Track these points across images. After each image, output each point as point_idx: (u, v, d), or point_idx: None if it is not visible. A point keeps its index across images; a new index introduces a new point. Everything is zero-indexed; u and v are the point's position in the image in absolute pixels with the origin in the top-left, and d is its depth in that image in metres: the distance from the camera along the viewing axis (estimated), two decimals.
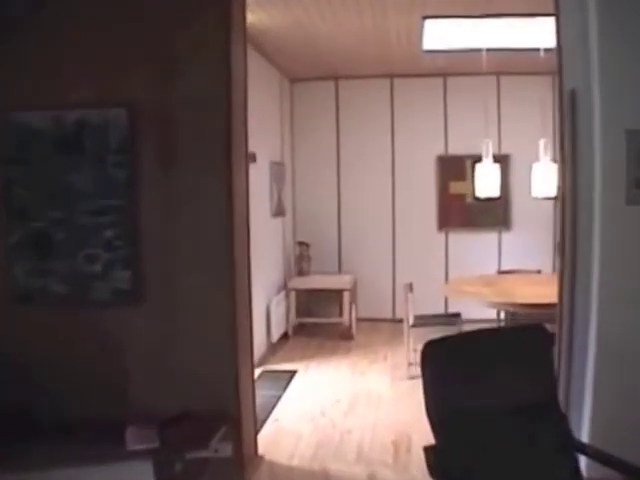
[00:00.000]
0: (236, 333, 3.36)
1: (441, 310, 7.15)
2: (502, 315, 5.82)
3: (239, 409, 3.42)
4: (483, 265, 7.10)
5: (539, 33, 5.07)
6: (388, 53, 6.01)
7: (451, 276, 7.25)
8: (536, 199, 5.46)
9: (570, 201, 3.30)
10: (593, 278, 3.23)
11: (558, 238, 5.88)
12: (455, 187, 7.21)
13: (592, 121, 3.18)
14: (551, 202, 6.75)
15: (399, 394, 4.95)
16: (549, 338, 2.76)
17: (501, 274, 6.13)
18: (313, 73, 7.02)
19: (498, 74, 6.90)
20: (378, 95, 7.24)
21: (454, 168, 7.17)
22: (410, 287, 5.53)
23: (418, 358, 5.51)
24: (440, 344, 2.57)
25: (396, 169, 7.31)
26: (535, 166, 5.20)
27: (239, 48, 3.49)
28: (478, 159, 7.02)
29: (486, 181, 5.23)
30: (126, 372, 3.33)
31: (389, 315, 7.43)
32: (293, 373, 5.50)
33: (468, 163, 7.12)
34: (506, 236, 7.18)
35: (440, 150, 7.22)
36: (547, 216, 6.99)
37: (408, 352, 5.42)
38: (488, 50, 5.23)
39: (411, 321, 5.36)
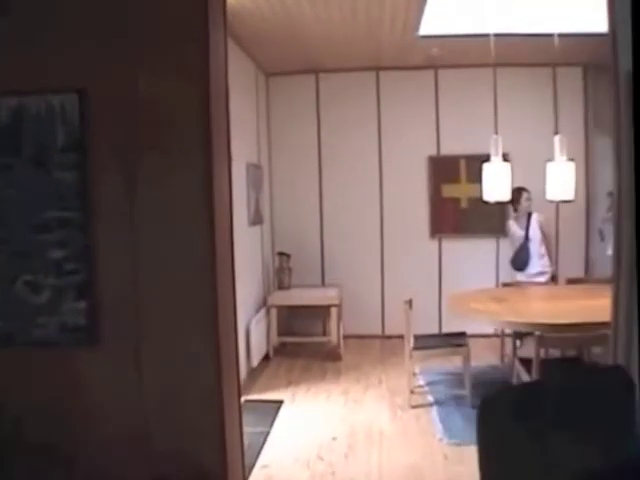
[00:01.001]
0: (221, 378, 2.68)
1: (435, 325, 6.58)
2: (507, 331, 5.26)
3: (225, 468, 2.75)
4: (480, 275, 6.56)
5: (552, 17, 4.53)
6: (378, 41, 5.37)
7: (445, 287, 6.66)
8: (551, 202, 4.89)
9: (628, 203, 2.72)
10: None
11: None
12: (448, 190, 6.63)
13: None
14: (553, 205, 6.25)
15: (403, 428, 4.32)
16: (631, 382, 2.17)
17: (505, 287, 5.54)
18: (291, 66, 6.35)
19: (495, 66, 6.32)
20: (363, 90, 6.61)
21: (447, 169, 6.59)
22: (410, 304, 4.91)
23: (419, 382, 4.86)
24: (503, 404, 1.96)
25: (384, 171, 6.68)
26: (550, 166, 4.64)
27: (219, 33, 2.82)
28: (472, 159, 6.51)
29: (495, 183, 4.64)
30: (82, 430, 2.62)
31: (378, 331, 6.81)
32: (279, 404, 4.82)
33: (462, 164, 6.56)
34: (504, 243, 6.61)
35: (432, 150, 6.62)
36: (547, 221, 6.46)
37: (410, 378, 4.79)
38: (496, 35, 4.64)
39: (412, 342, 4.74)
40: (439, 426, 4.28)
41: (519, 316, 4.12)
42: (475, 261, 6.61)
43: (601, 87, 6.39)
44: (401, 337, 6.67)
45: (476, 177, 6.53)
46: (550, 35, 4.62)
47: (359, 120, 6.62)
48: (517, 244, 5.90)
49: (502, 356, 5.54)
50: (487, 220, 6.56)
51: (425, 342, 4.76)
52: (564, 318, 3.91)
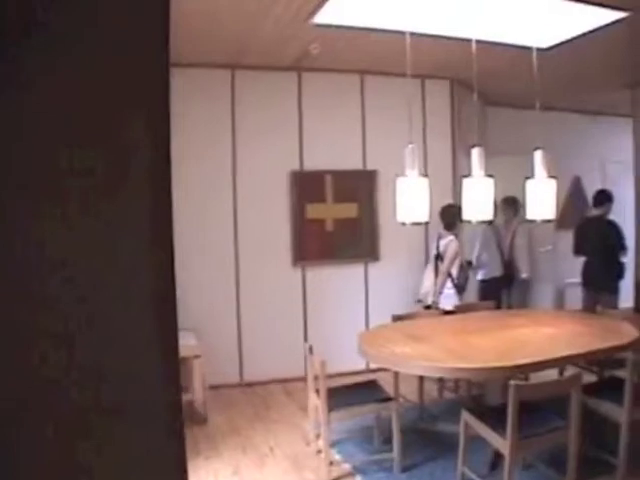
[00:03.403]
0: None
1: (300, 366, 5.66)
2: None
3: None
4: (349, 306, 5.88)
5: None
6: (257, 25, 4.31)
7: (310, 321, 5.84)
8: (469, 222, 4.32)
9: None
10: None
11: None
12: (313, 211, 5.81)
13: None
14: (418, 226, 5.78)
15: None
16: None
17: (399, 320, 4.85)
18: None
19: (362, 73, 5.74)
20: (215, 92, 5.51)
21: (311, 187, 5.78)
22: (311, 350, 3.98)
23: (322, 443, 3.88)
24: None
25: (238, 189, 5.64)
26: (467, 182, 4.07)
27: None
28: (339, 175, 5.82)
29: (412, 201, 3.94)
30: None
31: (235, 379, 5.72)
32: None
33: (328, 180, 5.82)
34: (374, 269, 6.00)
35: (294, 164, 5.76)
36: (420, 242, 6.02)
37: (326, 448, 3.80)
38: (413, 35, 3.96)
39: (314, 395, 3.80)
40: None
41: (466, 361, 3.40)
42: (343, 290, 5.89)
43: (464, 102, 6.15)
44: (263, 384, 5.72)
45: (343, 195, 5.90)
46: (469, 40, 4.08)
47: (210, 126, 5.51)
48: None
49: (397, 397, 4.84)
50: (354, 244, 5.91)
51: (342, 399, 3.85)
52: (517, 357, 3.34)
